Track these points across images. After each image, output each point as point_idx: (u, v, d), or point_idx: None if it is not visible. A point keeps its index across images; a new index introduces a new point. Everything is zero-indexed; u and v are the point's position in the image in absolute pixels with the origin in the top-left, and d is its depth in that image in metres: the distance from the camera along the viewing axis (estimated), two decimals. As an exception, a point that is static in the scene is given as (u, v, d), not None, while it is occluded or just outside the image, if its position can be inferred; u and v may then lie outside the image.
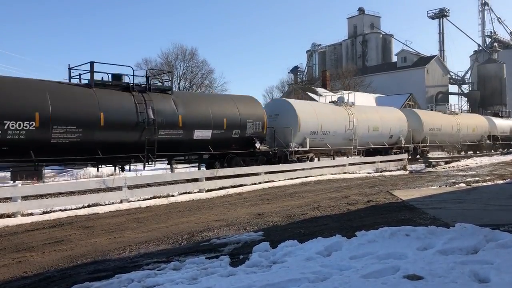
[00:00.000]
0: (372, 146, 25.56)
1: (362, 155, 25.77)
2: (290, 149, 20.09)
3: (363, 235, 6.26)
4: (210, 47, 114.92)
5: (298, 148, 20.60)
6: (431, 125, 30.40)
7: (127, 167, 15.80)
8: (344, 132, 23.27)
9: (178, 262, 5.82)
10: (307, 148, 20.97)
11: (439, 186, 14.69)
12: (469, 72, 75.02)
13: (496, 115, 47.57)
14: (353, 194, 13.08)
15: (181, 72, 51.27)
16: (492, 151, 37.14)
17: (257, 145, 18.45)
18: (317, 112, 22.04)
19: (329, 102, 26.30)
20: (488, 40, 74.54)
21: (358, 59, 75.73)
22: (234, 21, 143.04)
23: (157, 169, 22.20)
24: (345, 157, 25.04)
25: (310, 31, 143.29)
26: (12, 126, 11.71)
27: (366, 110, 26.51)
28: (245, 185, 15.82)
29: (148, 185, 15.04)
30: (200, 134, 16.59)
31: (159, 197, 13.12)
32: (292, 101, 22.67)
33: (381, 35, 77.92)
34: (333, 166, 21.05)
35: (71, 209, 11.27)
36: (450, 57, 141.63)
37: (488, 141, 37.56)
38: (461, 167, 24.31)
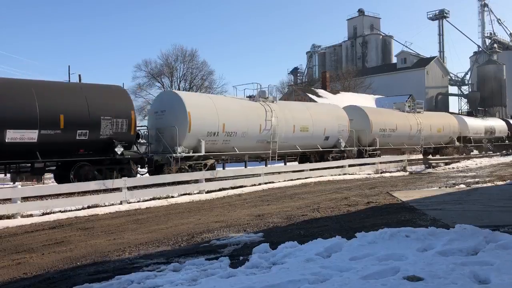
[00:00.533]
0: (300, 150, 21.76)
1: (288, 161, 22.30)
2: (175, 154, 16.30)
3: (363, 236, 6.25)
4: (210, 49, 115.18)
5: (189, 153, 16.88)
6: (381, 125, 26.41)
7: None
8: (259, 133, 19.35)
9: (177, 264, 5.81)
10: (202, 153, 17.22)
11: (439, 187, 14.70)
12: (469, 73, 75.04)
13: (471, 114, 44.38)
14: (353, 195, 13.08)
15: (181, 73, 51.37)
16: (464, 154, 33.32)
17: (118, 150, 14.85)
18: (218, 108, 18.08)
19: (247, 96, 21.72)
20: (488, 41, 74.49)
21: (358, 60, 75.74)
22: (234, 23, 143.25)
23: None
24: (345, 159, 24.85)
25: (310, 33, 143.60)
26: None
27: (293, 107, 22.46)
28: (245, 186, 15.82)
29: (148, 186, 15.02)
30: (18, 135, 12.71)
31: (159, 198, 13.11)
32: (182, 93, 18.34)
33: (381, 36, 77.95)
34: (333, 168, 21.00)
35: (71, 211, 11.26)
36: (450, 58, 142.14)
37: (457, 143, 33.85)
38: (461, 168, 24.32)
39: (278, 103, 21.53)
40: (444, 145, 32.70)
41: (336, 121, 23.56)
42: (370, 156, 25.18)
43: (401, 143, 28.10)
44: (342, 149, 23.70)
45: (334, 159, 22.82)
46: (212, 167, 17.96)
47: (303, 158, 23.18)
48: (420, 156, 28.33)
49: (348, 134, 24.17)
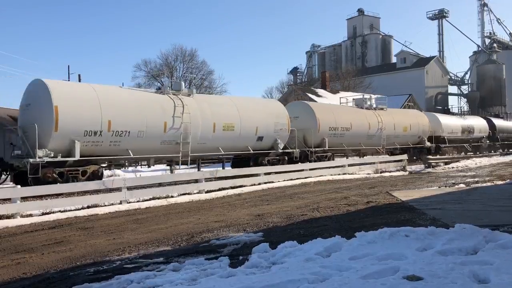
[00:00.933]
0: (224, 153, 18.48)
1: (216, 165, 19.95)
2: (32, 160, 13.23)
3: (363, 236, 6.25)
4: (210, 48, 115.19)
5: (56, 157, 13.66)
6: (332, 123, 23.01)
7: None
8: (164, 133, 16.07)
9: (177, 263, 5.81)
10: (76, 158, 13.94)
11: (439, 187, 14.70)
12: (469, 73, 75.13)
13: (448, 111, 41.28)
14: (353, 195, 13.08)
15: (180, 73, 51.39)
16: (437, 155, 30.16)
17: None
18: (103, 101, 14.73)
19: (156, 88, 18.52)
20: (487, 41, 74.59)
21: (358, 60, 75.80)
22: (234, 23, 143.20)
23: (157, 170, 22.21)
24: (345, 158, 24.74)
25: (310, 32, 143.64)
26: None
27: (214, 101, 19.13)
28: (244, 186, 15.82)
29: (148, 186, 15.02)
30: None
31: (158, 198, 13.11)
32: (50, 82, 14.41)
33: (381, 36, 78.00)
34: (333, 167, 20.97)
35: (71, 210, 11.26)
36: (449, 58, 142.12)
37: (428, 144, 30.41)
38: (460, 168, 24.33)
39: (196, 96, 18.14)
40: (412, 146, 29.40)
41: (273, 119, 20.10)
42: (319, 159, 21.88)
43: (358, 144, 24.85)
44: (281, 151, 20.23)
45: (272, 163, 19.82)
46: (96, 176, 14.67)
47: (238, 161, 20.15)
48: (387, 158, 25.10)
49: (289, 133, 20.74)
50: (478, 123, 38.92)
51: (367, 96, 29.13)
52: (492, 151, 37.46)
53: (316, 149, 22.15)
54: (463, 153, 35.11)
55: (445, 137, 32.97)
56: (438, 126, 32.33)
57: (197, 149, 17.23)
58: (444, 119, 34.05)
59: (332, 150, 23.25)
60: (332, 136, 23.03)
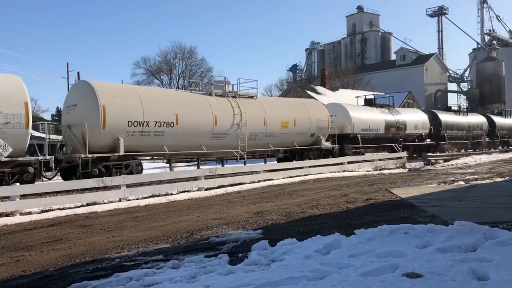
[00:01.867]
0: None
1: None
2: None
3: (362, 233, 6.25)
4: (209, 46, 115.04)
5: None
6: (135, 115, 15.36)
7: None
8: None
9: (176, 261, 5.81)
10: None
11: (438, 184, 14.71)
12: (468, 70, 75.14)
13: (370, 102, 29.43)
14: (352, 192, 13.08)
15: (180, 70, 51.37)
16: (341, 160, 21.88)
17: None
18: None
19: None
20: (487, 38, 74.52)
21: (357, 57, 75.76)
22: (234, 20, 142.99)
23: (156, 168, 22.20)
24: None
25: (309, 29, 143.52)
26: None
27: None
28: (244, 183, 15.82)
29: (147, 183, 15.01)
30: None
31: (158, 196, 13.12)
32: None
33: (380, 33, 77.94)
34: (332, 165, 20.97)
35: (70, 208, 11.26)
36: (449, 55, 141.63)
37: (327, 144, 23.13)
38: (460, 165, 24.32)
39: None
40: (298, 148, 21.70)
41: None
42: (107, 171, 14.74)
43: (197, 146, 17.40)
44: (5, 159, 12.55)
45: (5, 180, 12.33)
46: None
47: None
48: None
49: (29, 130, 13.17)
50: (414, 118, 31.41)
51: (219, 78, 20.82)
52: (437, 152, 30.39)
53: (108, 154, 14.77)
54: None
55: (358, 136, 25.67)
56: (347, 121, 24.99)
57: None
58: (357, 112, 26.37)
59: (140, 154, 16.00)
60: (138, 135, 15.44)
